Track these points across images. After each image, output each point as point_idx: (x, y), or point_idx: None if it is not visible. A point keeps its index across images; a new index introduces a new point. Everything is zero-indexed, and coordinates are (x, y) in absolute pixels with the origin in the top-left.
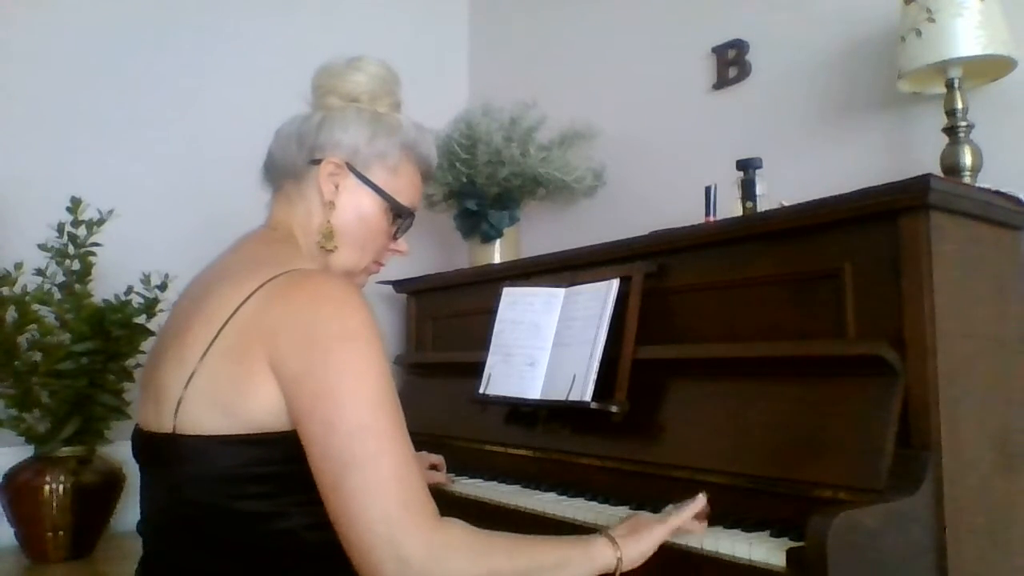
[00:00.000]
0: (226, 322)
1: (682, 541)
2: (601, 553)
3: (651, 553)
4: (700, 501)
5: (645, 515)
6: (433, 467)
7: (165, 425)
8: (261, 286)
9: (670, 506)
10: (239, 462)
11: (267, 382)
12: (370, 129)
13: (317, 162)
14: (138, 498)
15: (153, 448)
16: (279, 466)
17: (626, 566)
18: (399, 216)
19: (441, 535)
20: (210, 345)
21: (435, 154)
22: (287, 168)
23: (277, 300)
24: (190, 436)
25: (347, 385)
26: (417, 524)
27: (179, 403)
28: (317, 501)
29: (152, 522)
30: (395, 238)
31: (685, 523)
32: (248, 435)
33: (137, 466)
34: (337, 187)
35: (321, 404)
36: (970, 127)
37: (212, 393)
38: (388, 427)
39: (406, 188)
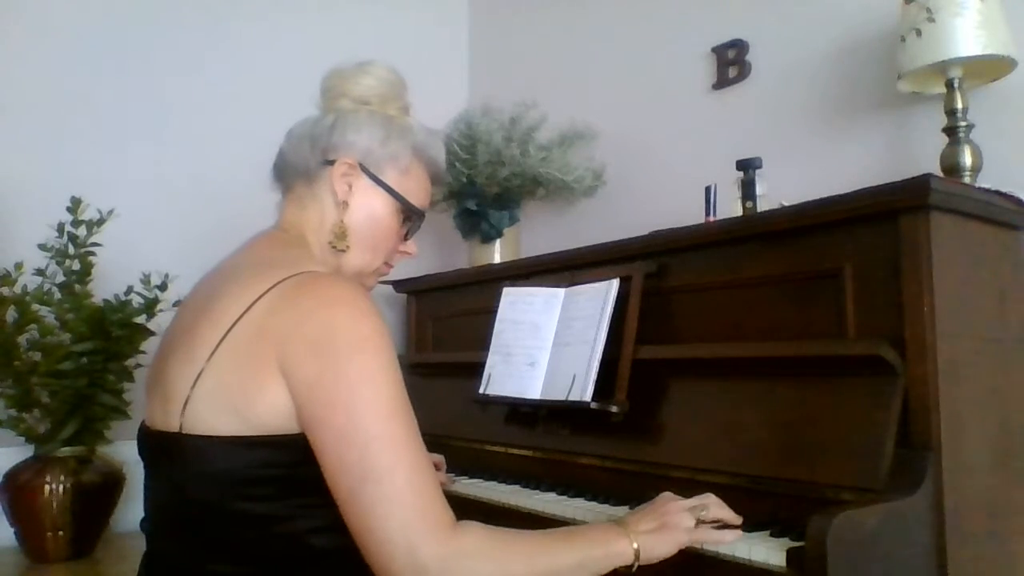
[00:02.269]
0: (235, 322)
1: None
2: (620, 553)
3: (669, 556)
4: (736, 534)
5: (677, 506)
6: (434, 465)
7: (172, 424)
8: (271, 288)
9: (702, 499)
10: (245, 463)
11: (276, 384)
12: (383, 131)
13: (330, 163)
14: (138, 497)
15: (159, 446)
16: (285, 469)
17: (642, 562)
18: (409, 217)
19: (458, 542)
20: (218, 345)
21: (444, 157)
22: (299, 169)
23: (288, 303)
24: (196, 436)
25: (360, 395)
26: (434, 532)
27: (186, 402)
28: (322, 504)
29: (156, 520)
30: (405, 239)
31: (708, 541)
32: (255, 436)
33: (138, 465)
34: (350, 187)
35: (334, 414)
36: (970, 127)
37: (220, 393)
38: (402, 436)
39: (416, 189)
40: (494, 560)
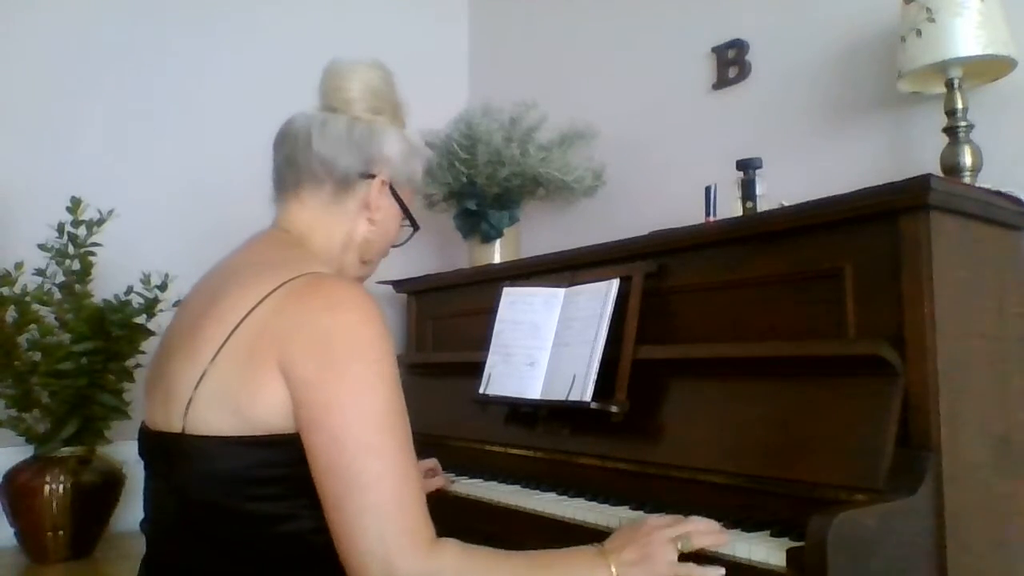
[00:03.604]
0: (240, 323)
1: None
2: None
3: None
4: (719, 571)
5: (660, 536)
6: (430, 471)
7: (174, 425)
8: (277, 288)
9: (686, 526)
10: (247, 463)
11: (275, 383)
12: (407, 149)
13: (370, 176)
14: (138, 498)
15: (161, 447)
16: (287, 468)
17: None
18: (402, 226)
19: (434, 561)
20: (222, 346)
21: None
22: (334, 172)
23: (294, 303)
24: (199, 436)
25: (356, 402)
26: (412, 549)
27: (189, 403)
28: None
29: (156, 521)
30: (395, 245)
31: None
32: (257, 436)
33: (138, 465)
34: (379, 203)
35: (330, 418)
36: (970, 127)
37: (222, 394)
38: (394, 448)
39: (415, 203)
40: None
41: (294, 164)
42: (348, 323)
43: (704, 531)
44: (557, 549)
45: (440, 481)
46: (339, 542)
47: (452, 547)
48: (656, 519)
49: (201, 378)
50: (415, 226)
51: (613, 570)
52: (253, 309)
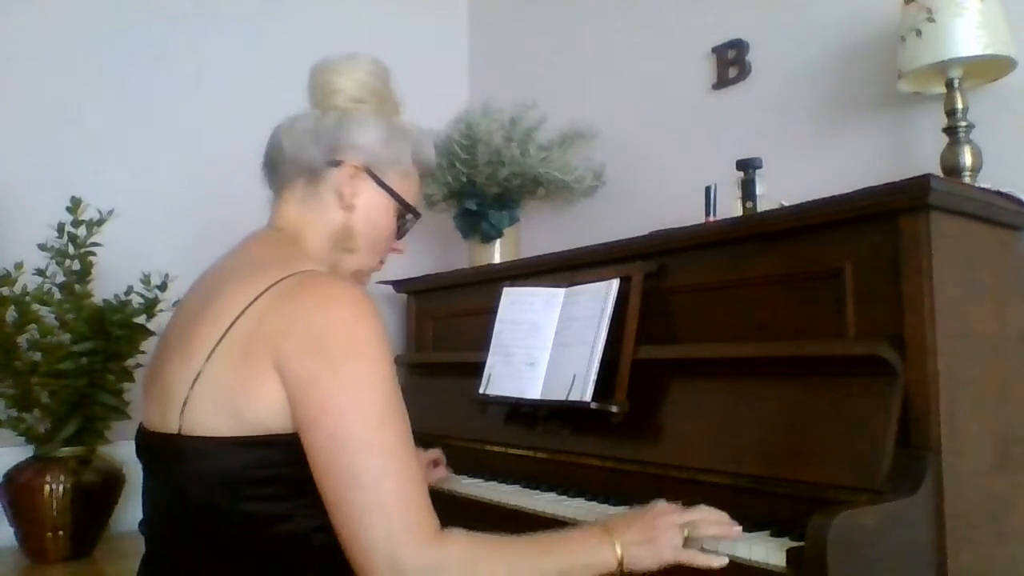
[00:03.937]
0: (233, 322)
1: None
2: (604, 562)
3: (652, 569)
4: (722, 561)
5: (667, 521)
6: (433, 463)
7: (171, 425)
8: (270, 287)
9: (696, 514)
10: (244, 463)
11: (271, 382)
12: (387, 132)
13: (336, 163)
14: (138, 498)
15: (158, 448)
16: (285, 468)
17: (625, 570)
18: (404, 216)
19: (439, 553)
20: (216, 345)
21: (434, 154)
22: (302, 166)
23: (286, 301)
24: (196, 437)
25: (354, 400)
26: (417, 543)
27: (185, 403)
28: (323, 504)
29: (155, 522)
30: (398, 237)
31: (695, 564)
32: (253, 436)
33: (138, 465)
34: (355, 190)
35: (327, 416)
36: (970, 127)
37: (218, 394)
38: (393, 444)
39: (412, 190)
40: (475, 571)
41: (274, 166)
42: (342, 320)
43: (712, 520)
44: (561, 530)
45: (442, 472)
46: (343, 540)
47: (458, 536)
48: (665, 504)
49: (196, 378)
50: (413, 212)
51: (618, 549)
52: (247, 308)
